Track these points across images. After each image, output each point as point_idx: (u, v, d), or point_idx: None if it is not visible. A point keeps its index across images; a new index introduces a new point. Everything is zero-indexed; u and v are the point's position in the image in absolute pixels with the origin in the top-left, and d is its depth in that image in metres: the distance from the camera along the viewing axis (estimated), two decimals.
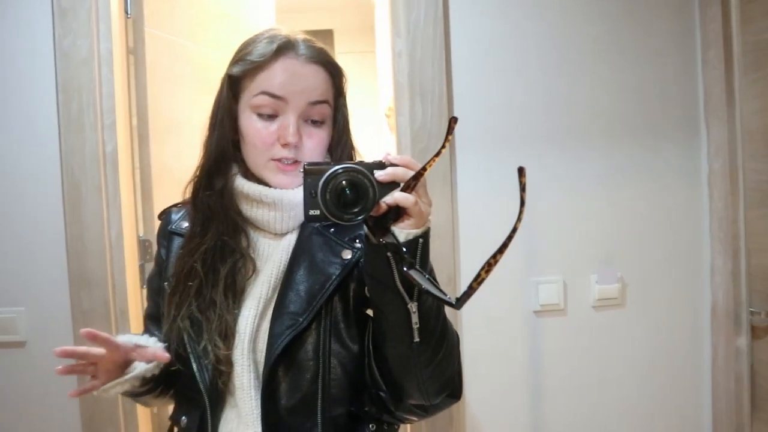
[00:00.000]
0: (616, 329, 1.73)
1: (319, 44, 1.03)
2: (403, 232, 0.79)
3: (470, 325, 1.67)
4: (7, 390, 1.63)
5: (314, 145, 1.00)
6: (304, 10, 3.93)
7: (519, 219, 0.73)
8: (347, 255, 0.97)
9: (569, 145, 1.70)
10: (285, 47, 0.98)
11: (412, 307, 0.81)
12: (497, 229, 0.73)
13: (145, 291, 1.72)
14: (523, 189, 0.73)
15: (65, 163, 1.60)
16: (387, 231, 0.79)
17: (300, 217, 0.94)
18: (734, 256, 1.67)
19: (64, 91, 1.59)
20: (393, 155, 0.80)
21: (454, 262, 1.66)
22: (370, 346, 0.96)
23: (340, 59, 1.06)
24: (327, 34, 4.12)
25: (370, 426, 0.98)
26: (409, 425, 1.70)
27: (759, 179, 1.63)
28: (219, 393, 0.95)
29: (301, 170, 0.80)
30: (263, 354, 0.94)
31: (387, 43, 1.93)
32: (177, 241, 1.07)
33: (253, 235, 1.04)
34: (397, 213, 0.79)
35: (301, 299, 0.95)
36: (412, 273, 0.76)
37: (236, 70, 1.00)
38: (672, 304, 1.75)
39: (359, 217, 0.78)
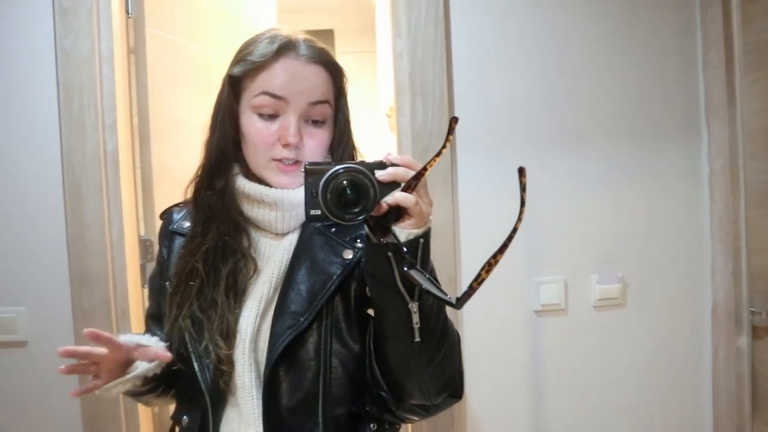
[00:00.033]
0: (617, 329, 1.74)
1: (320, 44, 1.03)
2: (403, 231, 0.79)
3: (471, 324, 1.67)
4: (8, 390, 1.63)
5: (315, 145, 1.00)
6: (304, 10, 3.93)
7: (519, 219, 0.73)
8: (348, 255, 0.97)
9: (570, 145, 1.70)
10: (286, 47, 0.98)
11: (413, 306, 0.81)
12: (498, 229, 0.73)
13: (146, 290, 1.73)
14: (523, 189, 0.73)
15: (66, 162, 1.60)
16: (388, 231, 0.79)
17: (301, 217, 0.95)
18: (735, 256, 1.67)
19: (65, 90, 1.60)
20: (394, 155, 0.80)
21: (455, 262, 1.66)
22: (371, 346, 0.96)
23: (341, 59, 1.06)
24: (328, 34, 4.12)
25: (372, 425, 0.98)
26: (410, 425, 1.71)
27: (760, 179, 1.63)
28: (220, 392, 0.96)
29: (302, 170, 0.80)
30: (264, 353, 0.95)
31: (388, 43, 1.93)
32: (178, 241, 1.07)
33: (255, 235, 1.04)
34: (398, 213, 0.79)
35: (302, 299, 0.95)
36: (413, 273, 0.76)
37: (237, 70, 1.00)
38: (673, 304, 1.75)
39: (360, 217, 0.78)
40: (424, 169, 0.78)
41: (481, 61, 1.68)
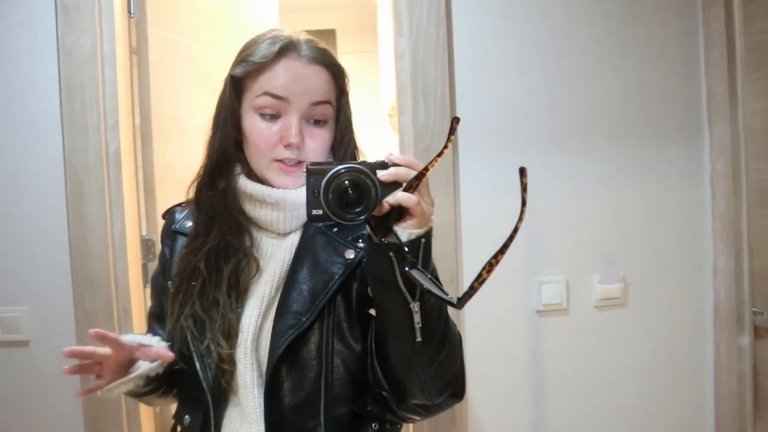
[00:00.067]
0: (619, 329, 1.73)
1: (322, 45, 1.03)
2: (405, 231, 0.79)
3: (473, 324, 1.67)
4: (11, 389, 1.64)
5: (317, 146, 1.00)
6: (306, 10, 3.93)
7: (520, 219, 0.73)
8: (350, 255, 0.98)
9: (572, 146, 1.70)
10: (287, 48, 0.98)
11: (414, 306, 0.81)
12: (500, 229, 0.73)
13: (148, 290, 1.73)
14: (524, 189, 0.73)
15: (68, 162, 1.60)
16: (389, 231, 0.79)
17: (303, 216, 0.95)
18: (737, 255, 1.67)
19: (67, 89, 1.60)
20: (395, 155, 0.80)
21: (457, 262, 1.66)
22: (373, 346, 0.96)
23: (343, 59, 1.06)
24: (329, 34, 4.12)
25: (373, 425, 0.99)
26: (411, 425, 1.71)
27: (761, 179, 1.63)
28: (222, 391, 0.96)
29: (304, 170, 0.80)
30: (266, 353, 0.95)
31: (390, 42, 1.93)
32: (181, 241, 1.08)
33: (257, 234, 1.04)
34: (400, 213, 0.79)
35: (304, 299, 0.96)
36: (414, 273, 0.76)
37: (239, 71, 1.00)
38: (674, 304, 1.75)
39: (361, 217, 0.78)
40: (426, 169, 0.78)
41: (482, 61, 1.68)
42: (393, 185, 0.78)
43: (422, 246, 0.79)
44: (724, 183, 1.69)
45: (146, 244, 1.81)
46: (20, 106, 1.62)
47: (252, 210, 1.03)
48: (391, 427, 1.02)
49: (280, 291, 0.98)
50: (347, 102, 1.07)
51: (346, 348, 0.97)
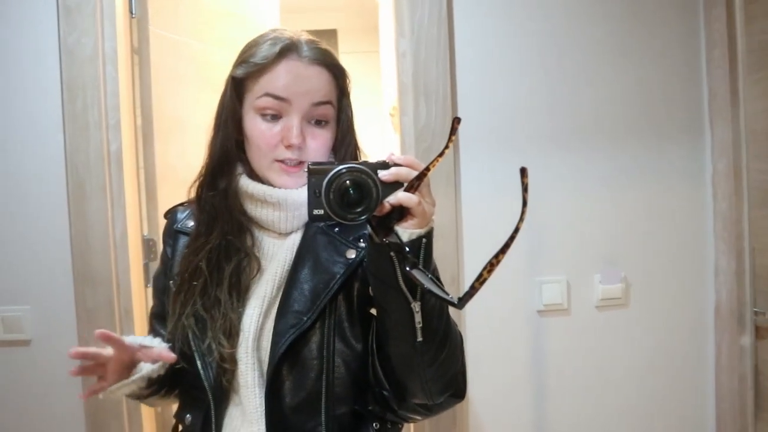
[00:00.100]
0: (620, 329, 1.73)
1: (323, 45, 1.03)
2: (406, 231, 0.79)
3: (473, 324, 1.67)
4: (13, 388, 1.64)
5: (318, 146, 1.00)
6: (308, 9, 3.93)
7: (521, 219, 0.73)
8: (351, 254, 0.98)
9: (573, 146, 1.70)
10: (288, 49, 0.98)
11: (415, 306, 0.82)
12: (501, 229, 0.73)
13: (149, 290, 1.74)
14: (525, 189, 0.74)
15: (70, 162, 1.61)
16: (390, 231, 0.79)
17: (304, 216, 0.95)
18: (738, 256, 1.67)
19: (69, 89, 1.60)
20: (397, 155, 0.80)
21: (458, 262, 1.66)
22: (374, 345, 0.96)
23: (344, 59, 1.06)
24: (331, 34, 4.12)
25: (374, 425, 0.99)
26: (412, 424, 1.71)
27: (763, 179, 1.62)
28: (223, 391, 0.96)
29: (305, 170, 0.80)
30: (267, 352, 0.95)
31: (391, 43, 1.93)
32: (183, 240, 1.08)
33: (258, 234, 1.04)
34: (401, 213, 0.79)
35: (305, 298, 0.96)
36: (415, 272, 0.76)
37: (240, 72, 1.00)
38: (676, 304, 1.75)
39: (363, 217, 0.78)
40: (427, 169, 0.78)
41: (484, 62, 1.68)
42: (394, 185, 0.78)
43: (423, 246, 0.79)
44: (725, 183, 1.69)
45: (147, 244, 1.82)
46: (22, 106, 1.62)
47: (253, 210, 1.03)
48: (392, 426, 1.02)
49: (282, 290, 0.99)
50: (348, 102, 1.07)
51: (348, 347, 0.97)
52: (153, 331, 1.11)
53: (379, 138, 3.10)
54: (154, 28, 1.85)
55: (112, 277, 1.62)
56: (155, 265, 1.73)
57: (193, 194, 1.07)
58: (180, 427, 1.05)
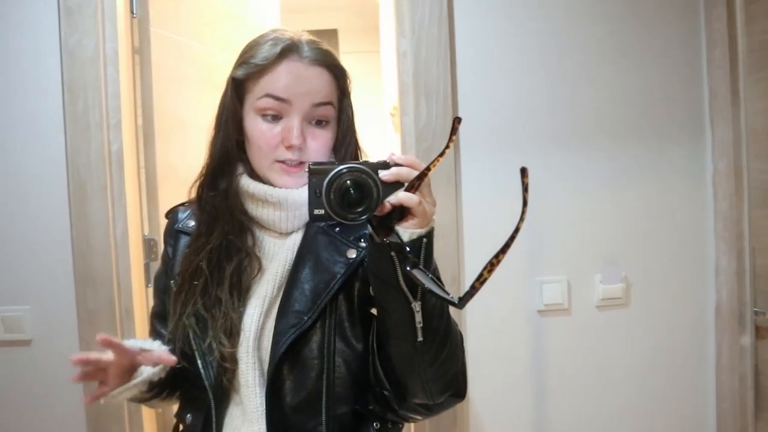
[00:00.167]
0: (620, 329, 1.73)
1: (324, 46, 1.03)
2: (407, 231, 0.79)
3: (474, 324, 1.67)
4: (13, 388, 1.64)
5: (318, 147, 1.00)
6: (308, 10, 3.93)
7: (521, 219, 0.73)
8: (352, 254, 0.98)
9: (574, 146, 1.70)
10: (288, 50, 0.98)
11: (416, 306, 0.82)
12: (502, 229, 0.73)
13: (149, 290, 1.74)
14: (525, 189, 0.74)
15: (71, 162, 1.61)
16: (391, 230, 0.79)
17: (305, 216, 0.95)
18: (739, 255, 1.67)
19: (70, 90, 1.60)
20: (397, 155, 0.81)
21: (458, 262, 1.66)
22: (375, 345, 0.96)
23: (345, 59, 1.06)
24: (331, 34, 4.12)
25: (375, 424, 0.99)
26: (412, 424, 1.71)
27: (763, 179, 1.62)
28: (224, 390, 0.96)
29: (306, 170, 0.80)
30: (268, 352, 0.95)
31: (392, 43, 1.93)
32: (184, 240, 1.08)
33: (259, 234, 1.04)
34: (401, 213, 0.79)
35: (306, 298, 0.96)
36: (416, 272, 0.76)
37: (240, 72, 1.00)
38: (676, 304, 1.75)
39: (363, 217, 0.78)
40: (428, 168, 0.78)
41: (484, 61, 1.68)
42: (395, 185, 0.78)
43: (424, 246, 0.79)
44: (726, 183, 1.69)
45: (148, 244, 1.82)
46: (22, 107, 1.63)
47: (254, 210, 1.03)
48: (393, 426, 1.02)
49: (282, 290, 0.99)
50: (349, 103, 1.07)
51: (348, 347, 0.97)
52: (154, 331, 1.11)
53: (380, 138, 3.11)
54: (155, 28, 1.85)
55: (112, 276, 1.62)
56: (156, 265, 1.72)
57: (193, 194, 1.07)
58: (181, 427, 1.06)
